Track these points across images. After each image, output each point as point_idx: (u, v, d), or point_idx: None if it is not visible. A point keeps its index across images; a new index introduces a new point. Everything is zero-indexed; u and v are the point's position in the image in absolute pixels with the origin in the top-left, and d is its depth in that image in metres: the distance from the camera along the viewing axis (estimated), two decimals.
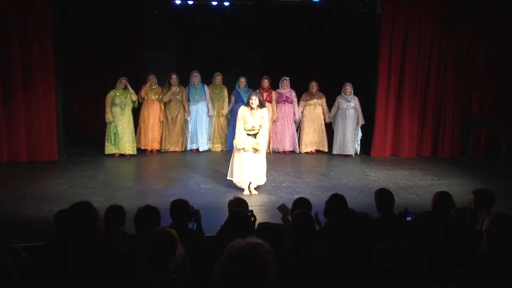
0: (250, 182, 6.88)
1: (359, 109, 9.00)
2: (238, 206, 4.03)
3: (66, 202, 5.53)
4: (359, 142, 9.13)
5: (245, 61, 10.04)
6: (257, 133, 6.89)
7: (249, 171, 6.81)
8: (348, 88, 8.98)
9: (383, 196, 4.14)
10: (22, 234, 5.04)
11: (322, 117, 9.23)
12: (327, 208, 4.03)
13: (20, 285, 2.44)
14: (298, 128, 9.29)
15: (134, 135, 8.72)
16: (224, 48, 10.47)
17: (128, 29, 9.33)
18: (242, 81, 9.09)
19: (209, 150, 9.26)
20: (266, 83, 9.13)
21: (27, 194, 6.66)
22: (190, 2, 9.04)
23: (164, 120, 8.94)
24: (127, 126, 8.66)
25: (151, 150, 9.01)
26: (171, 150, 9.08)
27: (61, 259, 2.51)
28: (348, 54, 10.35)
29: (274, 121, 9.09)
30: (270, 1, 8.96)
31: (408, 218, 3.45)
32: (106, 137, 8.65)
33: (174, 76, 8.85)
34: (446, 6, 9.02)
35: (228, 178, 6.99)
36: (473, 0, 8.96)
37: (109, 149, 8.65)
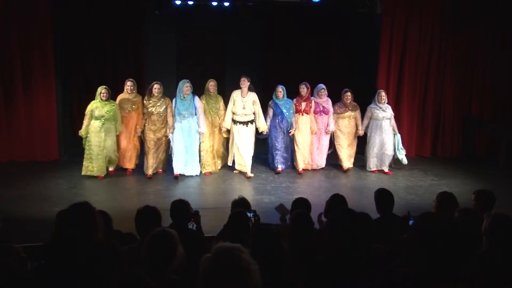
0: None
1: (393, 120, 8.07)
2: (241, 206, 4.04)
3: (66, 202, 5.48)
4: (401, 151, 8.09)
5: (246, 62, 10.01)
6: (250, 121, 7.64)
7: (242, 156, 7.63)
8: (383, 95, 7.95)
9: (383, 196, 4.14)
10: (22, 234, 5.04)
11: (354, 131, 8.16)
12: (328, 208, 4.03)
13: (20, 285, 2.44)
14: (331, 143, 8.25)
15: (112, 156, 7.44)
16: (224, 49, 10.45)
17: (129, 30, 9.32)
18: (280, 90, 7.80)
19: (200, 174, 7.71)
20: (304, 90, 7.86)
21: (27, 194, 6.67)
22: (190, 3, 9.04)
23: (141, 134, 7.55)
24: (104, 146, 7.30)
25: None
26: (150, 171, 7.54)
27: (61, 259, 2.50)
28: (348, 55, 10.34)
29: (313, 133, 8.08)
30: (270, 1, 8.93)
31: (411, 222, 3.44)
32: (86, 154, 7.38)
33: (156, 86, 7.36)
34: (446, 6, 9.02)
35: (229, 164, 7.86)
36: (473, 0, 8.96)
37: (90, 169, 7.36)
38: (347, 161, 8.13)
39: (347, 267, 2.47)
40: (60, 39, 8.64)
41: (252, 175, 7.68)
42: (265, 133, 7.77)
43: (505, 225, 2.74)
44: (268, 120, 7.80)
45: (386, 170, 8.05)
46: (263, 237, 2.68)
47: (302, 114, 7.87)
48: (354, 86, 8.64)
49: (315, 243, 3.15)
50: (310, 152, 8.09)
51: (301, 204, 4.12)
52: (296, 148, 7.97)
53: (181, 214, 3.79)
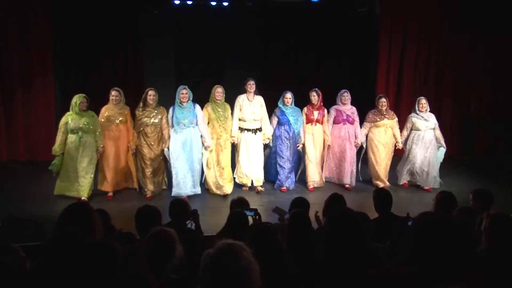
0: (252, 180, 6.96)
1: (438, 130, 7.15)
2: (239, 206, 4.03)
3: (64, 202, 5.51)
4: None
5: (244, 62, 9.97)
6: (258, 128, 6.88)
7: (250, 168, 6.88)
8: (424, 102, 7.01)
9: (381, 196, 4.15)
10: (21, 233, 5.04)
11: (394, 142, 7.22)
12: (326, 208, 4.03)
13: (19, 285, 2.43)
14: (361, 156, 7.37)
15: (92, 176, 6.44)
16: (222, 49, 10.41)
17: (127, 29, 9.28)
18: (289, 97, 7.00)
19: (208, 196, 6.83)
20: (315, 98, 7.02)
21: (26, 194, 6.66)
22: (189, 2, 9.05)
23: (134, 150, 6.61)
24: (84, 162, 6.29)
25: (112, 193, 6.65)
26: (149, 193, 6.63)
27: (59, 259, 2.50)
28: (348, 55, 10.29)
29: (328, 147, 7.18)
30: (268, 1, 8.91)
31: (410, 223, 3.44)
32: (52, 165, 6.35)
33: (151, 93, 6.47)
34: (445, 6, 9.04)
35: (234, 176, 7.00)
36: (472, 1, 8.97)
37: (60, 188, 6.39)
38: (384, 178, 7.18)
39: (346, 266, 2.46)
40: (59, 39, 8.65)
41: (263, 189, 6.95)
42: (268, 141, 7.01)
43: (505, 224, 2.75)
44: (272, 129, 7.00)
45: (427, 187, 7.14)
46: (260, 236, 2.68)
47: (315, 124, 7.05)
48: (353, 87, 8.60)
49: (314, 242, 3.14)
50: (336, 167, 7.23)
51: (300, 204, 4.12)
52: (308, 162, 7.12)
53: (179, 213, 3.79)
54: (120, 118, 6.50)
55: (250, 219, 3.76)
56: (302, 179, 7.33)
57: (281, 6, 9.24)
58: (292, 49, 10.09)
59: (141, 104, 6.54)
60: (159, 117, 6.52)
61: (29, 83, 8.39)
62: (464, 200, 4.49)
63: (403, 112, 9.03)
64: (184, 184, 6.52)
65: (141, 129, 6.51)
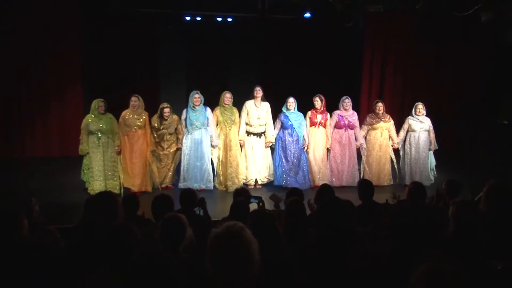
0: (256, 179, 6.75)
1: (433, 133, 6.83)
2: (242, 195, 4.03)
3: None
4: (434, 170, 6.90)
5: (246, 71, 9.95)
6: (263, 132, 6.66)
7: (255, 168, 6.69)
8: (421, 107, 6.73)
9: (364, 185, 4.18)
10: (56, 218, 5.06)
11: (390, 144, 6.87)
12: (317, 197, 4.05)
13: (56, 260, 2.46)
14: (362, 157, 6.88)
15: (117, 171, 6.22)
16: (227, 59, 10.36)
17: (145, 43, 9.27)
18: (292, 102, 6.59)
19: (215, 189, 6.58)
20: (319, 103, 6.62)
21: (59, 184, 6.71)
22: (198, 18, 9.11)
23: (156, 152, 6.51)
24: (104, 160, 6.13)
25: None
26: (163, 186, 6.52)
27: (86, 239, 2.53)
28: (335, 64, 10.21)
29: (328, 150, 6.76)
30: (267, 17, 8.90)
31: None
32: (82, 172, 6.28)
33: (166, 110, 6.30)
34: (421, 24, 9.07)
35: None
36: (444, 21, 8.96)
37: (91, 188, 6.12)
38: (383, 176, 6.75)
39: (334, 247, 2.48)
40: (86, 57, 8.81)
41: (259, 187, 6.70)
42: (270, 144, 6.68)
43: (468, 210, 2.78)
44: (275, 133, 6.63)
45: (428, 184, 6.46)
46: (260, 220, 2.70)
47: (318, 127, 6.68)
48: (340, 93, 8.58)
49: (307, 226, 3.16)
50: (337, 170, 6.75)
51: (295, 193, 4.12)
52: (311, 164, 6.71)
53: (188, 201, 3.80)
54: (138, 124, 6.21)
55: (256, 206, 3.78)
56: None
57: (278, 21, 9.24)
58: (287, 59, 10.05)
59: (158, 120, 6.35)
60: (175, 127, 6.45)
61: (62, 94, 8.73)
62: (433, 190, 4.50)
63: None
64: (194, 179, 6.41)
65: (158, 140, 6.42)
